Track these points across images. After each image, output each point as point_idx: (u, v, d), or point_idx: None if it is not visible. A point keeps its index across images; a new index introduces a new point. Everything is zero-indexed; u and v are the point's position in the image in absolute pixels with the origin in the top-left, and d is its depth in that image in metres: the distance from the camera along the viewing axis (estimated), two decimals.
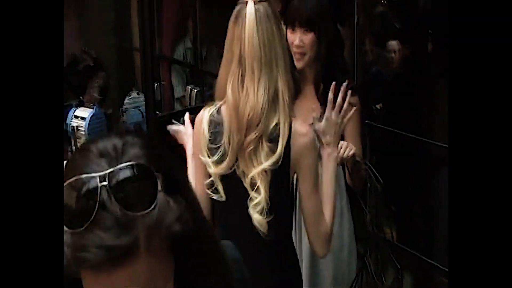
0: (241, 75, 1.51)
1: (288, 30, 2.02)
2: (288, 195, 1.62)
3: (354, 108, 1.93)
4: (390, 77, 2.66)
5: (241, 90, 1.51)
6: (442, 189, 2.36)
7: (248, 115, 1.49)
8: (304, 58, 2.03)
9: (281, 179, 1.55)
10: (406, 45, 2.55)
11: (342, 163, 1.97)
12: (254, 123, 1.49)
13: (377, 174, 2.05)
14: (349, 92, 1.86)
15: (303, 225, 1.99)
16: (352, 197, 2.13)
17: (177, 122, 2.07)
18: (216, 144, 1.55)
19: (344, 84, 1.88)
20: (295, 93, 2.01)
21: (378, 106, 2.60)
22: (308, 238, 1.65)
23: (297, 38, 2.01)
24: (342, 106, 1.70)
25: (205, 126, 1.57)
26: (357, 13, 2.49)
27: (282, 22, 1.67)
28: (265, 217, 1.50)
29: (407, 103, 2.49)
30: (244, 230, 1.55)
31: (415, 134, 2.27)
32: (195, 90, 3.18)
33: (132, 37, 3.95)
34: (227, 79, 1.55)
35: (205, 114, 1.58)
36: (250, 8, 1.52)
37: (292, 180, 1.62)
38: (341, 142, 1.88)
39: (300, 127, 1.55)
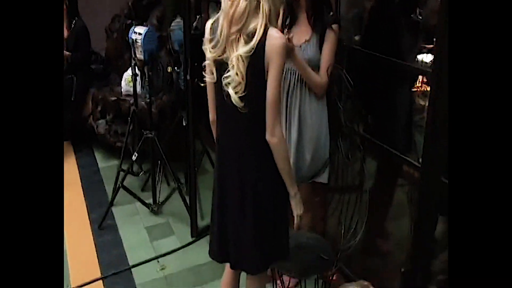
0: None
1: None
2: (263, 82, 1.84)
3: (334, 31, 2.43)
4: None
5: (233, 2, 1.82)
6: (403, 94, 2.74)
7: (233, 15, 1.82)
8: None
9: (256, 68, 1.82)
10: None
11: None
12: (237, 21, 1.81)
13: (349, 79, 2.44)
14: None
15: (291, 118, 2.54)
16: (330, 100, 2.54)
17: None
18: (213, 36, 1.90)
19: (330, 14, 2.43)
20: (294, 19, 2.53)
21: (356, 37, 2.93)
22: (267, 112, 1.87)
23: None
24: None
25: (208, 25, 1.95)
26: None
27: None
28: (237, 94, 1.83)
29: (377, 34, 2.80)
30: (227, 104, 1.89)
31: (383, 55, 2.52)
32: None
33: None
34: None
35: (210, 20, 1.98)
36: None
37: (267, 72, 1.84)
38: None
39: (275, 33, 1.81)
